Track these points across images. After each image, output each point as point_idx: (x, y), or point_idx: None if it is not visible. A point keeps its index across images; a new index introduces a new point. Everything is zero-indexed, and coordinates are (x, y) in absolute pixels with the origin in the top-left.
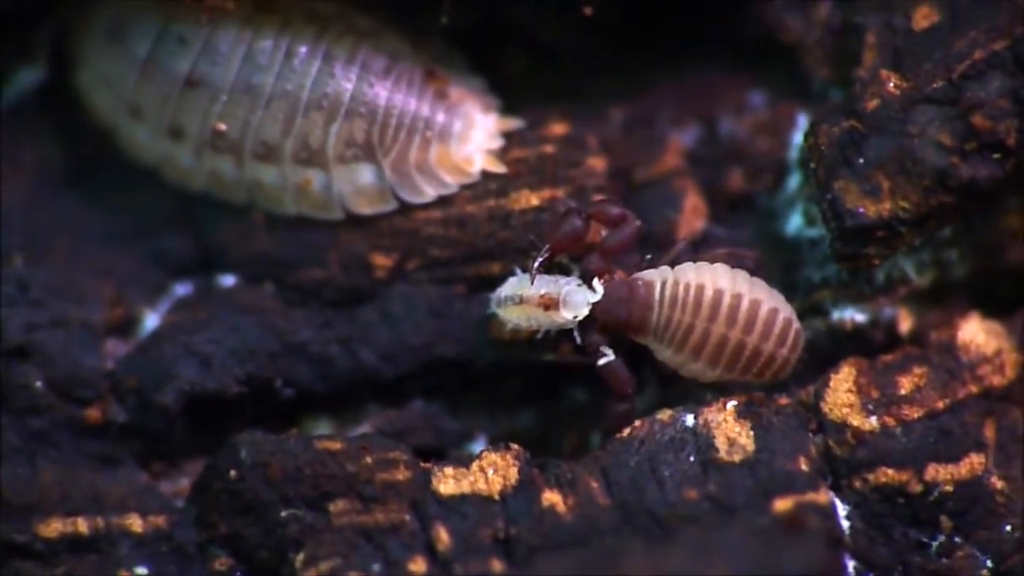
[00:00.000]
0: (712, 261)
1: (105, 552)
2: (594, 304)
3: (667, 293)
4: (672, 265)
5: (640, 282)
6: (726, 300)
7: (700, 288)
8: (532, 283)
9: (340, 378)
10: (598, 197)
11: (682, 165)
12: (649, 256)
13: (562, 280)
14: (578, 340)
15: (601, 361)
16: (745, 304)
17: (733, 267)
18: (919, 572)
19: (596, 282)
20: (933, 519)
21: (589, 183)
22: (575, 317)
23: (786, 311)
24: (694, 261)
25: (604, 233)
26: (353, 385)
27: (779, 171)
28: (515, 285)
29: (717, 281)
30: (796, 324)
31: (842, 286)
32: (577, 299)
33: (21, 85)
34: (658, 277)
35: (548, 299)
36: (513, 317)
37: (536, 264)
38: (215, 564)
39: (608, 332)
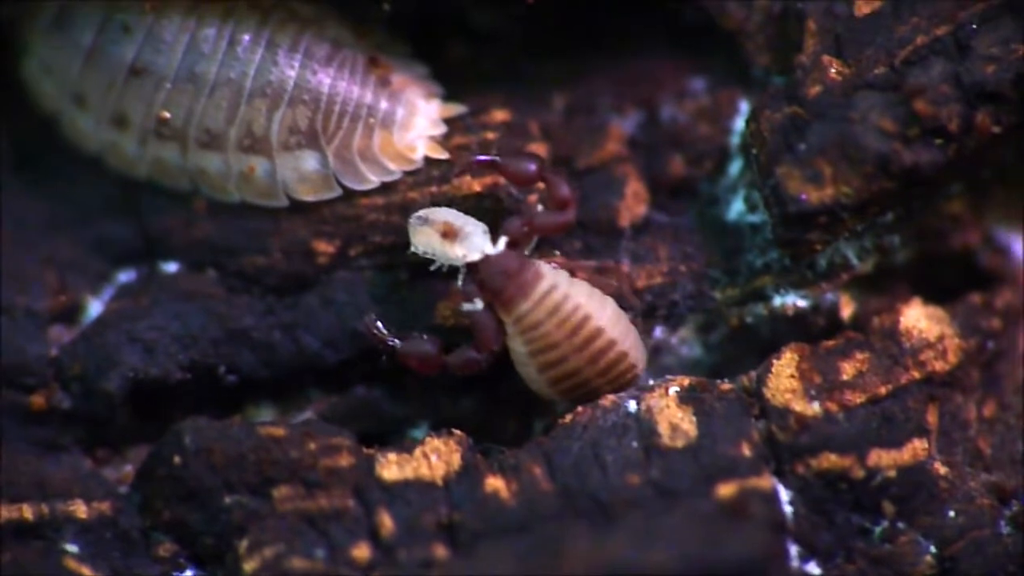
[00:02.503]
0: (598, 277)
1: (49, 538)
2: (483, 258)
3: (549, 297)
4: (573, 274)
5: (533, 268)
6: (599, 341)
7: (585, 318)
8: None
9: (283, 364)
10: (557, 172)
11: (623, 151)
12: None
13: (472, 221)
14: (459, 283)
15: (466, 307)
16: (613, 350)
17: (610, 287)
18: (862, 557)
19: (501, 240)
20: (876, 505)
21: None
22: (464, 256)
23: (636, 356)
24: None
25: (540, 207)
26: (296, 371)
27: (720, 157)
28: (434, 209)
29: (601, 318)
30: (637, 369)
31: (784, 272)
32: (474, 241)
33: None
34: (551, 277)
35: (448, 228)
36: (418, 240)
37: (469, 163)
38: (159, 550)
39: (482, 291)
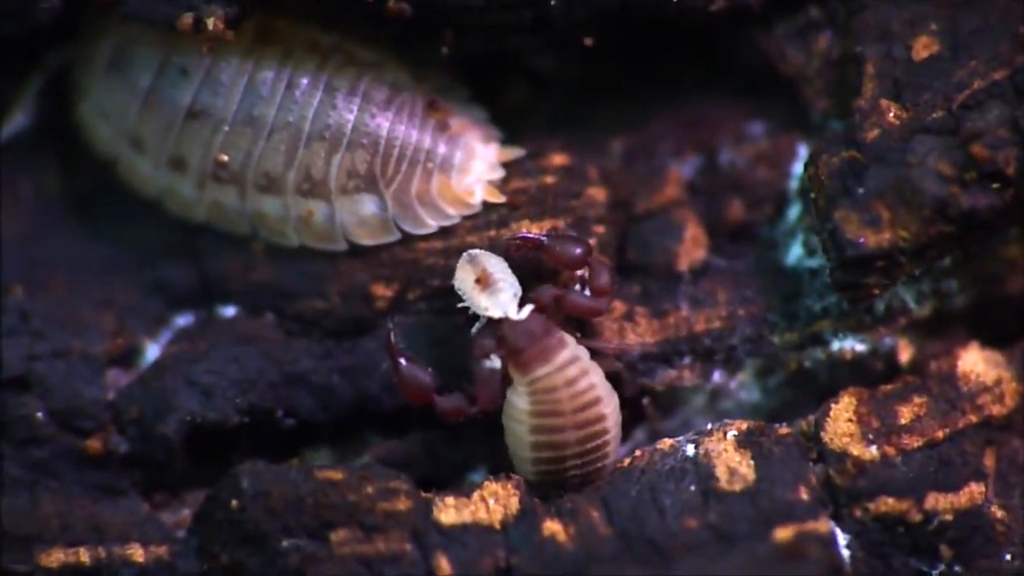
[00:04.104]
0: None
1: None
2: (507, 319)
3: (569, 368)
4: (595, 354)
5: (558, 335)
6: (597, 427)
7: (596, 400)
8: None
9: (341, 408)
10: (603, 261)
11: (682, 196)
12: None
13: (510, 280)
14: (473, 330)
15: (485, 364)
16: (602, 440)
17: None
18: None
19: (527, 307)
20: (933, 548)
21: (590, 214)
22: (486, 309)
23: (613, 453)
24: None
25: (578, 287)
26: (354, 415)
27: (779, 201)
28: (484, 253)
29: (608, 406)
30: (607, 467)
31: (842, 316)
32: (500, 299)
33: (19, 118)
34: (573, 348)
35: (484, 276)
36: (458, 276)
37: (513, 239)
38: None
39: (501, 347)
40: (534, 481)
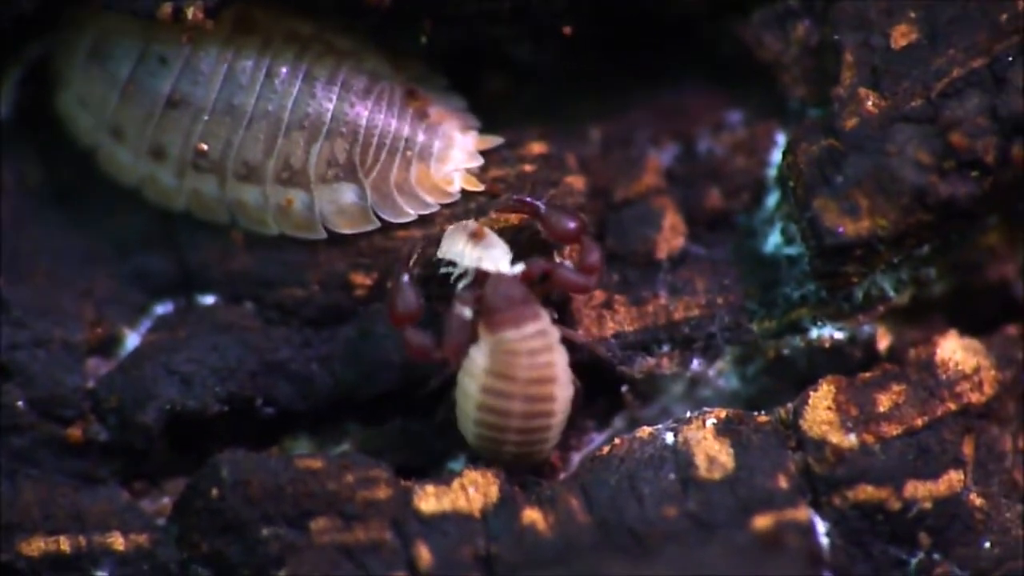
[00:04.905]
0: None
1: (86, 571)
2: (493, 275)
3: (535, 339)
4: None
5: (534, 306)
6: (545, 406)
7: (551, 379)
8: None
9: (320, 396)
10: (594, 240)
11: (660, 184)
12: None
13: (503, 243)
14: (459, 287)
15: (455, 309)
16: (547, 423)
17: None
18: None
19: (519, 265)
20: (912, 536)
21: (568, 202)
22: (479, 260)
23: (554, 441)
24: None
25: (567, 263)
26: (333, 403)
27: (757, 190)
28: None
29: (561, 391)
30: (546, 454)
31: (821, 304)
32: (494, 253)
33: None
34: (546, 323)
35: (480, 231)
36: (447, 243)
37: (511, 198)
38: None
39: (478, 303)
40: (473, 446)
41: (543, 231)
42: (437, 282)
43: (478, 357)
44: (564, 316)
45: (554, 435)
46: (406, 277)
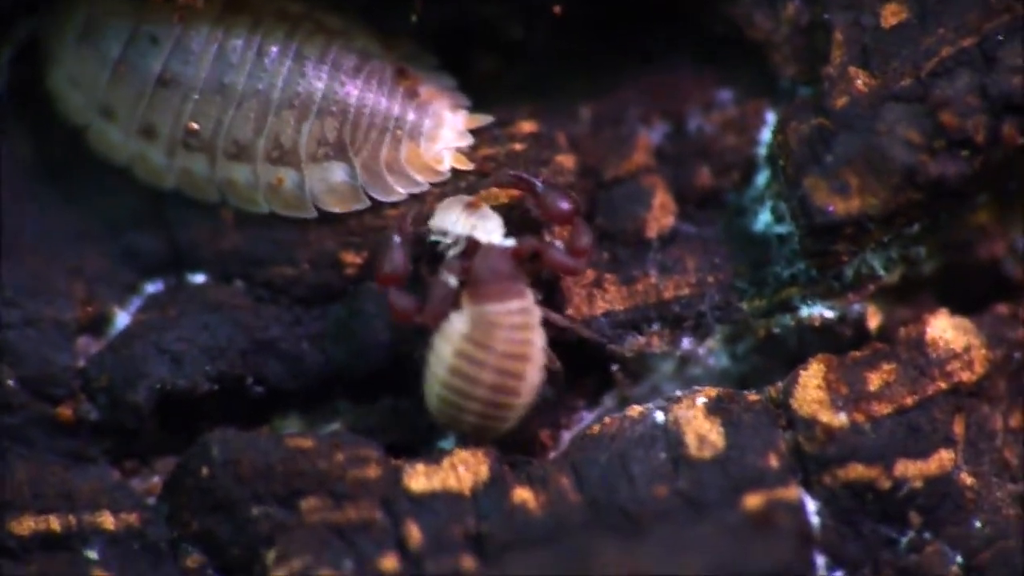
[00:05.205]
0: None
1: (76, 550)
2: (484, 246)
3: (516, 316)
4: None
5: (520, 284)
6: (512, 383)
7: (524, 358)
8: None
9: (310, 375)
10: (585, 223)
11: (651, 162)
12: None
13: (498, 216)
14: (448, 255)
15: (442, 276)
16: (511, 400)
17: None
18: (889, 568)
19: (510, 239)
20: (902, 515)
21: (558, 181)
22: (472, 229)
23: (514, 420)
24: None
25: (558, 244)
26: (323, 382)
27: (747, 168)
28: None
29: (531, 372)
30: (503, 430)
31: (811, 282)
32: (488, 224)
33: None
34: (529, 302)
35: (476, 203)
36: (441, 214)
37: (507, 172)
38: (187, 561)
39: (465, 272)
40: (433, 411)
41: (536, 210)
42: (427, 251)
43: (457, 322)
44: (554, 295)
45: (515, 415)
46: (398, 239)
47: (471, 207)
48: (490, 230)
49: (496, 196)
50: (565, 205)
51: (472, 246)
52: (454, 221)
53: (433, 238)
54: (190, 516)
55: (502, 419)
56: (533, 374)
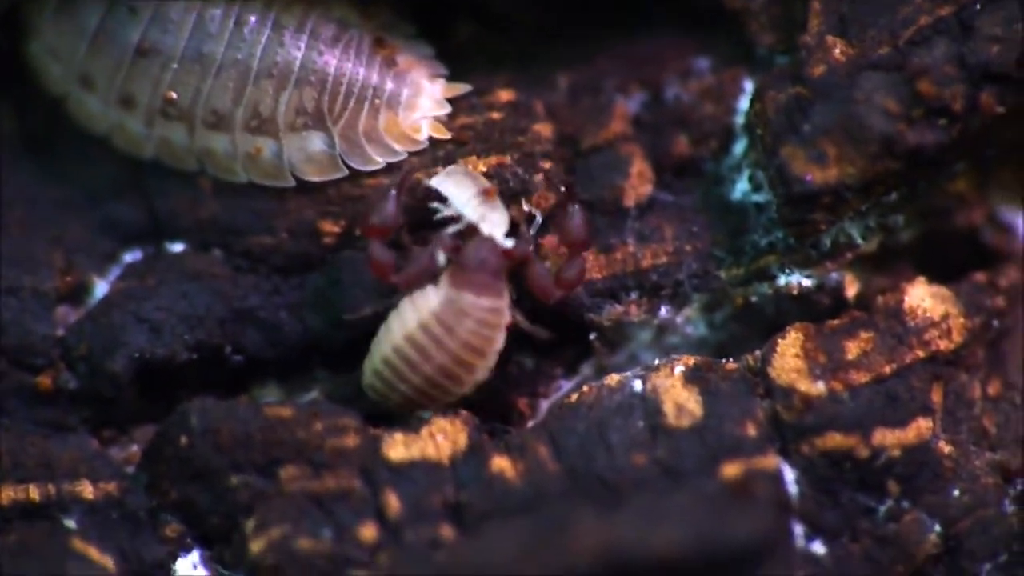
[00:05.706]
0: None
1: (56, 519)
2: (482, 236)
3: (486, 315)
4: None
5: (502, 284)
6: (458, 371)
7: (478, 353)
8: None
9: (289, 344)
10: (578, 262)
11: (628, 131)
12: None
13: (507, 211)
14: (445, 231)
15: (432, 248)
16: (452, 385)
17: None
18: (867, 537)
19: (508, 240)
20: (881, 484)
21: (536, 149)
22: (478, 219)
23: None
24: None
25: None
26: (302, 351)
27: (725, 137)
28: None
29: (480, 367)
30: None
31: (788, 251)
32: (495, 219)
33: None
34: (504, 304)
35: (492, 193)
36: (452, 182)
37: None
38: (166, 530)
39: (454, 252)
40: (366, 372)
41: (555, 232)
42: (416, 214)
43: (432, 297)
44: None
45: (443, 401)
46: (394, 192)
47: (486, 195)
48: (495, 224)
49: (475, 164)
50: (582, 236)
51: (470, 231)
52: (465, 203)
53: (434, 205)
54: (169, 485)
55: (431, 400)
56: (482, 370)
